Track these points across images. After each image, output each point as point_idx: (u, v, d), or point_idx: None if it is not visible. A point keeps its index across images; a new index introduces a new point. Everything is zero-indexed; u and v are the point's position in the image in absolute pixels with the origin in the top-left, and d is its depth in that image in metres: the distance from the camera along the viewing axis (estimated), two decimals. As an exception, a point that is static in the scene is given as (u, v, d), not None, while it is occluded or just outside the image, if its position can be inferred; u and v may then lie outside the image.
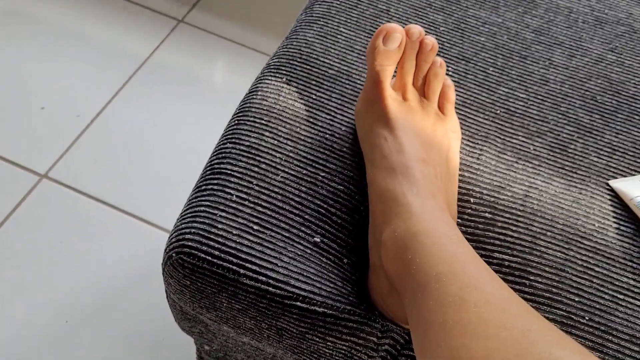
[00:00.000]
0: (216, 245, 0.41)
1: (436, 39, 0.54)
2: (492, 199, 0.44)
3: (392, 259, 0.37)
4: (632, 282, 0.41)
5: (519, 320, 0.30)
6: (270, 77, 0.49)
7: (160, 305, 0.80)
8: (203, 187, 0.44)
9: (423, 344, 0.32)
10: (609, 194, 0.45)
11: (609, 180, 0.46)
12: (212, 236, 0.41)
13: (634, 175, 0.47)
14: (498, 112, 0.49)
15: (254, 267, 0.40)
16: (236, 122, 0.47)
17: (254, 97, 0.48)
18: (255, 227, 0.42)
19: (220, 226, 0.42)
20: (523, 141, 0.48)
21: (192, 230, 0.42)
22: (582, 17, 0.58)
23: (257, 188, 0.43)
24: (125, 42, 1.12)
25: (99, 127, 0.99)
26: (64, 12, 1.14)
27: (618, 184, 0.46)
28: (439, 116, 0.45)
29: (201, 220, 0.43)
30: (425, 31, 0.54)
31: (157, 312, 0.82)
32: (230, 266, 0.40)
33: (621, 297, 0.40)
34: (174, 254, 0.41)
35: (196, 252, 0.41)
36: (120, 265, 0.86)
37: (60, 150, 0.95)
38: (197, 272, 0.41)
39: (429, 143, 0.42)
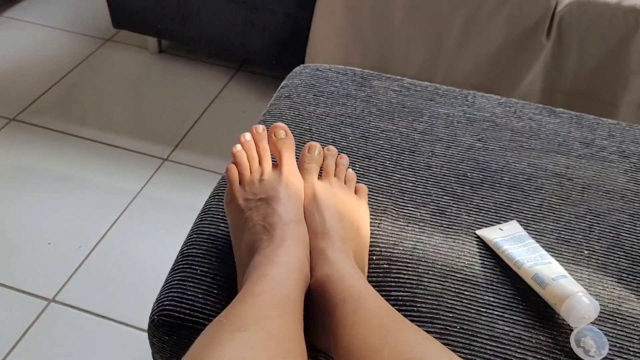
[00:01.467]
0: (187, 306, 0.56)
1: (346, 145, 0.72)
2: (388, 254, 0.60)
3: (315, 296, 0.52)
4: (492, 299, 0.56)
5: (387, 318, 0.46)
6: (224, 185, 0.67)
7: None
8: (175, 268, 0.60)
9: (335, 342, 0.47)
10: (476, 241, 0.61)
11: (475, 230, 0.62)
12: (183, 300, 0.56)
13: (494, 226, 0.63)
14: (393, 192, 0.67)
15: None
16: (200, 219, 0.64)
17: (213, 200, 0.65)
18: (216, 292, 0.57)
19: (189, 293, 0.57)
20: (412, 210, 0.65)
21: (169, 297, 0.57)
22: (456, 119, 0.77)
23: (215, 264, 0.59)
24: (117, 182, 1.31)
25: (99, 254, 1.16)
26: (62, 163, 1.35)
27: (482, 232, 0.62)
28: (354, 197, 0.62)
29: (175, 290, 0.58)
30: (338, 139, 0.73)
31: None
32: (199, 320, 0.55)
33: (483, 309, 0.55)
34: (155, 317, 0.56)
35: (172, 313, 0.56)
36: (121, 369, 0.97)
37: (66, 277, 1.11)
38: (174, 328, 0.55)
39: (344, 216, 0.59)
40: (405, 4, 1.22)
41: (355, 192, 0.64)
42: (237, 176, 0.59)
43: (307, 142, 0.73)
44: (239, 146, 0.61)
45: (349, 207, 0.60)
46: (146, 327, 1.03)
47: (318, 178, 0.63)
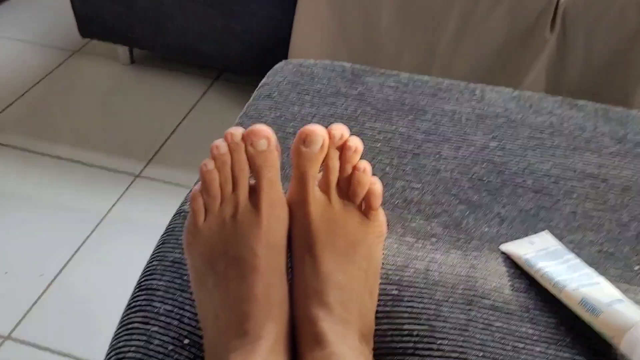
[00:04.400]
0: None
1: (339, 149, 0.61)
2: (397, 277, 0.49)
3: None
4: (530, 331, 0.45)
5: None
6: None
7: None
8: (132, 304, 0.48)
9: None
10: (501, 257, 0.50)
11: (500, 245, 0.51)
12: (151, 353, 0.45)
13: (521, 238, 0.52)
14: (396, 202, 0.56)
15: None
16: (162, 241, 0.52)
17: (177, 218, 0.54)
18: (186, 341, 0.45)
19: (156, 342, 0.45)
20: (420, 224, 0.53)
21: (132, 348, 0.45)
22: (465, 116, 0.67)
23: (180, 299, 0.47)
24: (84, 202, 1.19)
25: (61, 284, 1.03)
26: (24, 183, 1.23)
27: (507, 247, 0.51)
28: (363, 221, 0.45)
29: (137, 337, 0.46)
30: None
31: None
32: None
33: (522, 345, 0.44)
34: None
35: None
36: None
37: (23, 311, 0.98)
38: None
39: (348, 258, 0.43)
40: (395, 0, 1.13)
41: (365, 201, 0.45)
42: (202, 208, 0.44)
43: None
44: (210, 164, 0.44)
45: (356, 238, 0.44)
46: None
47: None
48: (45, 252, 1.08)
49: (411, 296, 0.47)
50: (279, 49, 1.33)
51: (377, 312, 0.47)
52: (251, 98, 0.71)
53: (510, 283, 0.48)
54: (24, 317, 0.97)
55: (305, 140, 0.44)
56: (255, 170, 0.44)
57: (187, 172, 1.27)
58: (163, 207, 1.20)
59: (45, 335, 0.94)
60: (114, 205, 1.19)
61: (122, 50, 1.58)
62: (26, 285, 1.02)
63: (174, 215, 0.55)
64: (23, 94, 1.48)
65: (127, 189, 1.23)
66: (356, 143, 0.45)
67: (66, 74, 1.57)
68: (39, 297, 1.00)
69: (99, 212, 1.17)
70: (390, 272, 0.49)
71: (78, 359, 0.91)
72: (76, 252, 1.09)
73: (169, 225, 0.54)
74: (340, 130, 0.45)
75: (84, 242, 1.11)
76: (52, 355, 0.92)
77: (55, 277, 1.04)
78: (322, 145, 0.44)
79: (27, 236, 1.11)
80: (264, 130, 0.44)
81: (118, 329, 0.47)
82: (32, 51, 1.65)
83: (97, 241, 1.11)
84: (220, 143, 0.44)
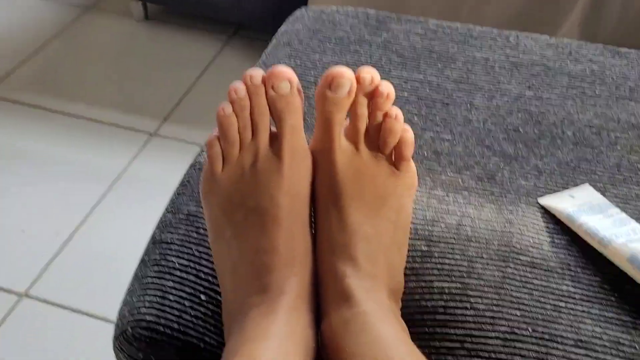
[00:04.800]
0: (174, 319, 0.42)
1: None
2: (427, 233, 0.46)
3: (328, 345, 0.37)
4: (572, 289, 0.41)
5: None
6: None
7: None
8: (146, 259, 0.46)
9: None
10: (540, 212, 0.47)
11: (538, 199, 0.48)
12: (167, 309, 0.42)
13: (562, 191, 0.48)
14: (426, 154, 0.52)
15: (212, 342, 0.41)
16: (177, 194, 0.49)
17: (193, 169, 0.51)
18: (203, 297, 0.43)
19: (172, 298, 0.43)
20: (451, 176, 0.50)
21: (146, 304, 0.43)
22: (498, 64, 0.62)
23: (196, 254, 0.45)
24: (99, 160, 1.17)
25: (78, 242, 1.02)
26: (40, 142, 1.21)
27: (547, 200, 0.47)
28: (392, 172, 0.41)
29: (152, 292, 0.43)
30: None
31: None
32: (191, 340, 0.41)
33: (562, 304, 0.41)
34: (129, 328, 0.42)
35: (155, 326, 0.41)
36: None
37: (39, 268, 0.97)
38: (153, 345, 0.41)
39: (375, 211, 0.40)
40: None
41: (396, 151, 0.41)
42: (220, 155, 0.41)
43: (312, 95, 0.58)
44: (228, 108, 0.40)
45: (386, 191, 0.41)
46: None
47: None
48: (61, 211, 1.07)
49: (442, 252, 0.44)
50: (297, 3, 1.28)
51: (405, 269, 0.44)
52: (269, 46, 0.67)
53: (549, 239, 0.45)
54: (40, 275, 0.96)
55: (332, 84, 0.40)
56: (276, 116, 0.41)
57: (204, 131, 1.24)
58: (179, 165, 1.17)
59: (61, 292, 0.93)
60: (129, 163, 1.17)
61: (136, 6, 1.53)
62: (42, 243, 1.01)
63: (189, 167, 0.52)
64: (36, 51, 1.45)
65: (142, 147, 1.21)
66: (388, 88, 0.41)
67: (79, 30, 1.53)
68: (55, 255, 0.99)
69: (115, 170, 1.15)
70: (419, 227, 0.46)
71: (94, 316, 0.91)
72: (92, 210, 1.07)
73: (184, 177, 0.51)
74: (370, 73, 0.40)
75: (99, 200, 1.09)
76: (68, 312, 0.91)
77: (71, 236, 1.02)
78: (350, 90, 0.40)
79: (43, 195, 1.10)
80: (286, 72, 0.40)
81: (131, 284, 0.45)
82: (45, 7, 1.61)
83: (113, 200, 1.09)
84: (239, 86, 0.41)
